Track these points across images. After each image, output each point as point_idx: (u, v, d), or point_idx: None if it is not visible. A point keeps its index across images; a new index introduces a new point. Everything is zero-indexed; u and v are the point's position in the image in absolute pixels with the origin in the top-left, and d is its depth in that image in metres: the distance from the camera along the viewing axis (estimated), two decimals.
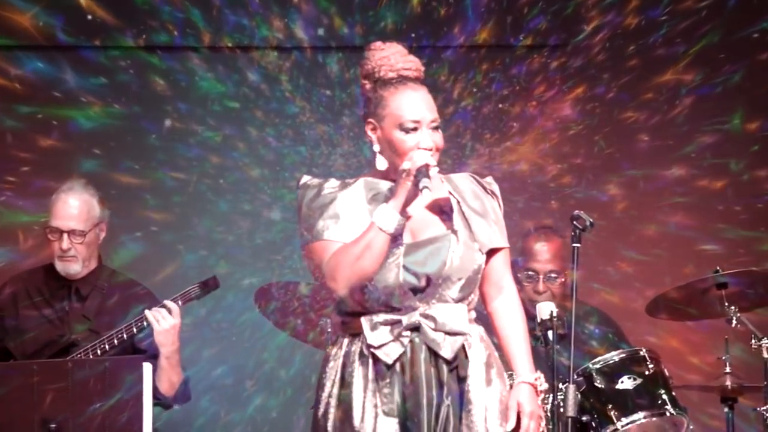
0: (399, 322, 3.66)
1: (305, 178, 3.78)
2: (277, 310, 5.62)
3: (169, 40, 6.51)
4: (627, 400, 5.06)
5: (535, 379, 3.79)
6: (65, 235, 5.13)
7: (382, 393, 3.63)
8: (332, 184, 3.74)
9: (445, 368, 3.67)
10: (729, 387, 5.30)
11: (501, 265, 3.83)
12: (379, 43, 3.80)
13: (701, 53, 6.58)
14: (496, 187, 3.87)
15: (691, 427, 5.17)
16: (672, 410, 5.09)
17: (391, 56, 3.76)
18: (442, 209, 3.77)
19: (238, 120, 6.59)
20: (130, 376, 4.38)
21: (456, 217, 3.75)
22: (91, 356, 4.96)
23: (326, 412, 3.68)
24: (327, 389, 3.70)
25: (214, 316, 6.40)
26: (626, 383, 5.07)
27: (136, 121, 6.53)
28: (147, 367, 4.44)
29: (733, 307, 5.25)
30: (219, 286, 5.20)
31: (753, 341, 5.22)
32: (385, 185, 3.73)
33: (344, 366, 3.68)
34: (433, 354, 3.67)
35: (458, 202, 3.78)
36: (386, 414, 3.62)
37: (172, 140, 6.55)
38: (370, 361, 3.66)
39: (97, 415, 4.33)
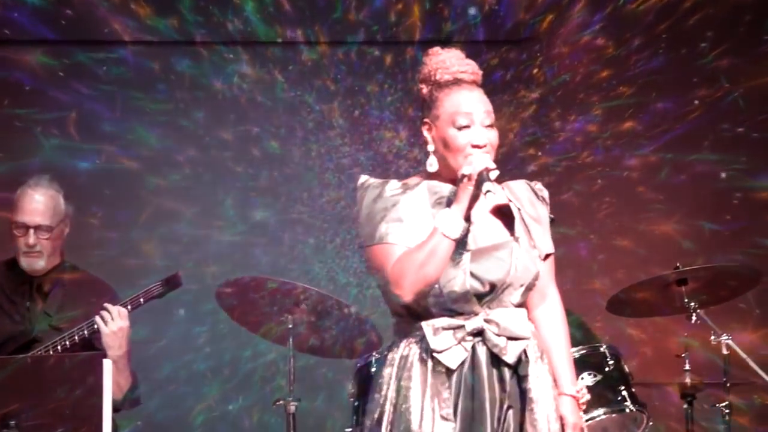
0: (462, 327, 3.65)
1: (364, 178, 3.77)
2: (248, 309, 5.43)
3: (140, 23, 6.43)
4: None
5: (577, 392, 3.80)
6: (31, 231, 5.10)
7: (440, 397, 3.62)
8: (394, 185, 3.73)
9: (506, 371, 3.66)
10: (688, 383, 5.35)
11: (548, 272, 3.84)
12: (437, 48, 3.83)
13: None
14: (546, 194, 3.89)
15: (651, 423, 5.21)
16: (632, 407, 5.13)
17: (447, 59, 3.77)
18: (500, 214, 3.76)
19: (219, 110, 6.51)
20: (91, 374, 4.37)
21: (517, 223, 3.76)
22: (52, 353, 4.94)
23: (381, 415, 3.67)
24: (383, 392, 3.68)
25: (195, 328, 6.33)
26: (586, 380, 5.08)
27: (103, 108, 6.46)
28: (107, 364, 4.43)
29: (693, 303, 5.29)
30: (182, 284, 5.10)
31: (712, 338, 5.26)
32: (447, 189, 3.72)
33: (400, 370, 3.67)
34: (495, 357, 3.66)
35: (518, 209, 3.79)
36: (444, 418, 3.60)
37: (145, 130, 6.48)
38: (430, 364, 3.64)
39: (57, 412, 4.32)
